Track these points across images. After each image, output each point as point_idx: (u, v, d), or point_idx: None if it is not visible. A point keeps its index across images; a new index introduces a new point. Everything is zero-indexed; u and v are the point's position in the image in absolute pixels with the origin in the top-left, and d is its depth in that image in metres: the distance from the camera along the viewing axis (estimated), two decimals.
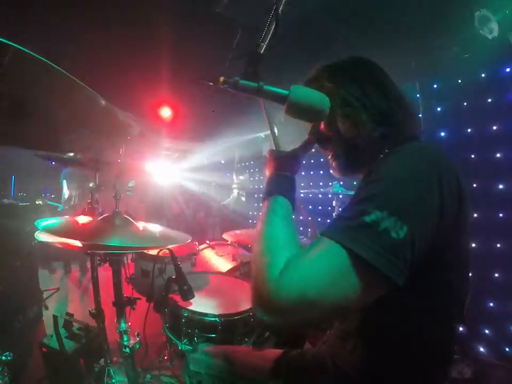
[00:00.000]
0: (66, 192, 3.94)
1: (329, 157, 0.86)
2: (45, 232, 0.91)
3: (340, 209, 2.28)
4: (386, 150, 0.71)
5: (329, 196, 3.56)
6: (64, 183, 3.93)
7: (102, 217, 1.07)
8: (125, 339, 1.11)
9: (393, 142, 0.70)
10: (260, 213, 0.70)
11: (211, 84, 0.72)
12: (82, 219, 1.09)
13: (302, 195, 2.63)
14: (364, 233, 0.51)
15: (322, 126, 0.81)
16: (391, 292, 0.53)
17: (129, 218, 1.08)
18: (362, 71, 0.77)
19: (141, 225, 1.10)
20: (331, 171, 0.89)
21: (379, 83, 0.74)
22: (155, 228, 1.18)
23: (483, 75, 2.15)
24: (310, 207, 4.37)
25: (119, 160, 1.29)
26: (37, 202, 3.99)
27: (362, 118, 0.72)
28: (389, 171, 0.59)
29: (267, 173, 0.81)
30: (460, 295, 0.68)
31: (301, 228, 3.47)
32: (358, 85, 0.74)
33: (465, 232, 0.65)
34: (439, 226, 0.56)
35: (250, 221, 5.54)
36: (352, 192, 2.14)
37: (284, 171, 0.79)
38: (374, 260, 0.49)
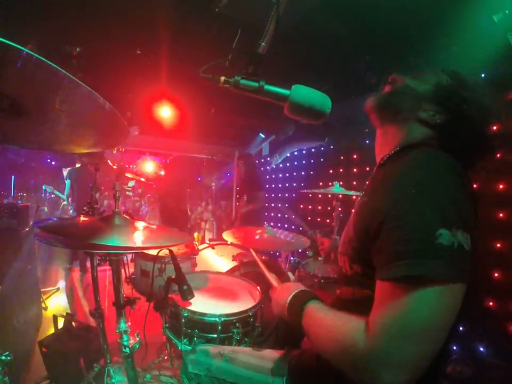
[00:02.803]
0: (69, 190, 3.97)
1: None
2: (44, 232, 0.91)
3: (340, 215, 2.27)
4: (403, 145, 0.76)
5: (329, 195, 3.56)
6: (68, 182, 3.96)
7: (101, 217, 1.07)
8: (125, 339, 1.10)
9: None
10: (304, 322, 0.72)
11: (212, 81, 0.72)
12: (82, 219, 1.09)
13: (301, 192, 2.63)
14: (448, 256, 0.52)
15: None
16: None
17: (128, 218, 1.07)
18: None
19: (140, 225, 1.10)
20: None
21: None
22: (155, 228, 1.18)
23: (483, 75, 2.15)
24: (310, 207, 4.37)
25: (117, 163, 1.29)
26: (44, 188, 4.19)
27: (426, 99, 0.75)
28: (426, 189, 0.58)
29: (282, 298, 0.82)
30: None
31: (301, 228, 3.48)
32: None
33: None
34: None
35: None
36: (351, 192, 2.13)
37: (297, 289, 0.81)
38: (463, 279, 0.52)
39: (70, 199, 3.98)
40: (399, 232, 0.56)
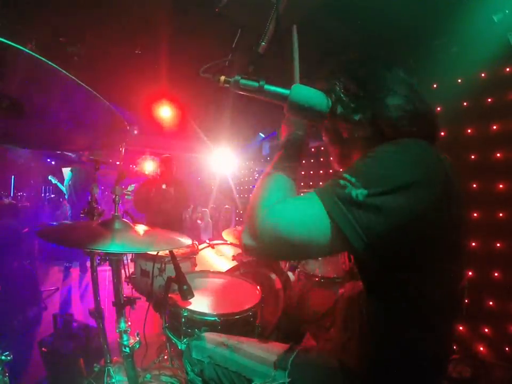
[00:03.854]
0: (67, 190, 3.99)
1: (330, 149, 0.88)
2: (44, 237, 0.91)
3: None
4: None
5: None
6: (68, 180, 3.98)
7: (101, 221, 1.07)
8: (125, 339, 1.10)
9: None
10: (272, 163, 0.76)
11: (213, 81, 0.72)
12: (82, 222, 1.10)
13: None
14: (338, 195, 0.59)
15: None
16: (393, 292, 0.54)
17: (128, 222, 1.07)
18: (381, 69, 0.76)
19: (140, 228, 1.10)
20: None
21: (396, 82, 0.73)
22: (154, 231, 1.18)
23: (483, 75, 2.15)
24: None
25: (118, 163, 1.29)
26: (49, 178, 4.34)
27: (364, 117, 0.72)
28: (377, 151, 0.64)
29: (285, 131, 0.83)
30: (454, 288, 0.69)
31: None
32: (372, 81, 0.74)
33: (457, 221, 0.66)
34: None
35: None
36: None
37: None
38: (337, 218, 0.58)
39: (67, 201, 4.01)
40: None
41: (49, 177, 4.44)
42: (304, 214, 0.61)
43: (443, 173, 0.63)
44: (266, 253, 0.69)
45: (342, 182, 0.60)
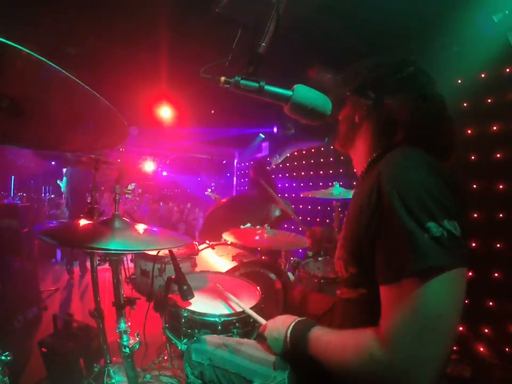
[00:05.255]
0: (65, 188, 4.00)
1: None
2: (44, 237, 0.91)
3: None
4: (380, 151, 0.76)
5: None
6: (65, 180, 3.98)
7: (101, 220, 1.07)
8: (125, 339, 1.10)
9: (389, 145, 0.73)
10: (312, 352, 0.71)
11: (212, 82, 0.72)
12: (82, 222, 1.09)
13: (301, 195, 2.63)
14: (441, 246, 0.53)
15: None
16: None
17: (128, 221, 1.07)
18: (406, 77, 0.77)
19: (140, 227, 1.09)
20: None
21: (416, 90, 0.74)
22: (154, 230, 1.18)
23: (483, 75, 2.15)
24: (310, 207, 4.37)
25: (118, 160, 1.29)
26: (58, 182, 4.33)
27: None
28: (403, 189, 0.59)
29: (278, 333, 0.82)
30: None
31: (300, 228, 3.48)
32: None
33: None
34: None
35: None
36: (350, 192, 2.14)
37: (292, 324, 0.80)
38: (460, 263, 0.53)
39: (65, 201, 4.01)
40: (392, 234, 0.57)
41: (58, 182, 4.44)
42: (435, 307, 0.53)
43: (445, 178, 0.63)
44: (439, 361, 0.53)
45: (433, 233, 0.54)
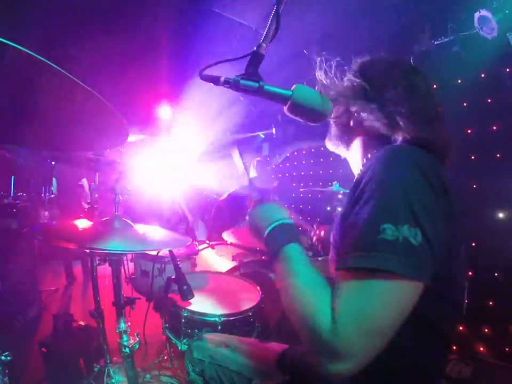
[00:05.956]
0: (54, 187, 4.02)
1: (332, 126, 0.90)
2: (44, 236, 0.91)
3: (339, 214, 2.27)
4: (374, 152, 0.76)
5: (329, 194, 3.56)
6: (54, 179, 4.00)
7: (101, 220, 1.07)
8: (125, 339, 1.10)
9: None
10: (277, 267, 0.69)
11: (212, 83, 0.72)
12: (82, 222, 1.09)
13: (301, 195, 2.63)
14: (391, 250, 0.52)
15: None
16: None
17: (128, 221, 1.07)
18: (397, 73, 0.77)
19: (140, 228, 1.09)
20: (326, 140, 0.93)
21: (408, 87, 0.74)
22: (155, 231, 1.18)
23: (483, 75, 2.15)
24: (310, 207, 4.37)
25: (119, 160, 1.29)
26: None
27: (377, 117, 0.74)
28: (380, 185, 0.59)
29: (260, 224, 0.77)
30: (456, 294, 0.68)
31: (300, 228, 3.48)
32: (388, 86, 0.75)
33: (457, 232, 0.65)
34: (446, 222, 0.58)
35: None
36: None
37: (278, 220, 0.75)
38: (408, 273, 0.51)
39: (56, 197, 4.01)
40: (353, 228, 0.58)
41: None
42: (378, 300, 0.52)
43: (438, 176, 0.62)
44: (365, 364, 0.54)
45: (387, 236, 0.54)
